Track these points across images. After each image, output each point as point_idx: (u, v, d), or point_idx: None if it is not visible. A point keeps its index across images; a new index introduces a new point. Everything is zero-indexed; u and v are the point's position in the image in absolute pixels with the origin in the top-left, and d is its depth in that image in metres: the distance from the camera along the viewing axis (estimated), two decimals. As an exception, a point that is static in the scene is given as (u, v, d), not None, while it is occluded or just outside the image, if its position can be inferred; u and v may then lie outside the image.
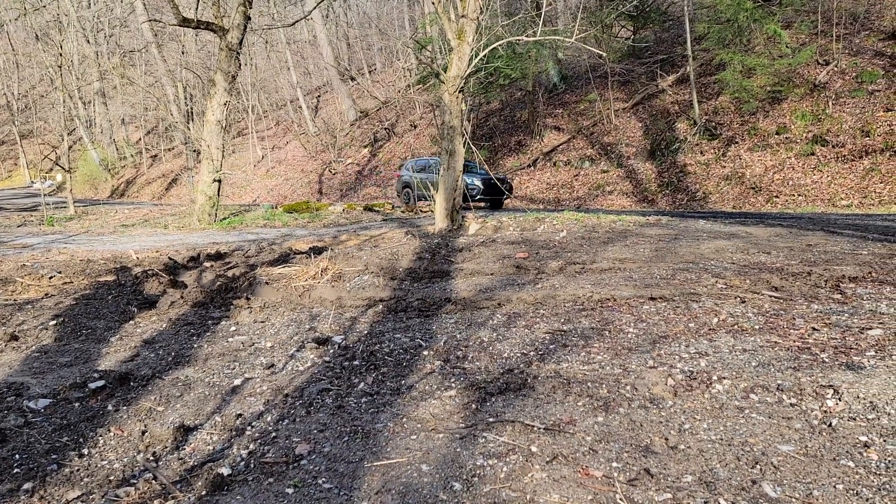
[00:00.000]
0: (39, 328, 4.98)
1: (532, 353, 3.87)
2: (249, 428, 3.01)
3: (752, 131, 17.51)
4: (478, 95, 23.59)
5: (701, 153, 18.18)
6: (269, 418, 3.11)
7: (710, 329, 4.11)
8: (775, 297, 4.78)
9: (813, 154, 15.98)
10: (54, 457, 2.77)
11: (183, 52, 31.69)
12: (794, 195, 15.34)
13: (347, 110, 34.57)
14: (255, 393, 3.48)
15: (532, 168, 21.98)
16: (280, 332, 4.79)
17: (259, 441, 2.85)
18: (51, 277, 7.29)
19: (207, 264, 7.95)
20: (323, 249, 8.75)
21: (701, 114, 18.70)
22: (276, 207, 19.63)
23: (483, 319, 4.78)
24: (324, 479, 2.48)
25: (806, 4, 18.82)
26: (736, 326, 4.12)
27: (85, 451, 2.84)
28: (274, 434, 2.91)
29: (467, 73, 10.71)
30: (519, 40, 16.74)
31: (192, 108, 30.66)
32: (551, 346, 3.98)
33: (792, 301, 4.66)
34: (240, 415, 3.15)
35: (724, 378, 3.25)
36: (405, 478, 2.45)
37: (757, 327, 4.08)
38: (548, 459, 2.52)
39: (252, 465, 2.62)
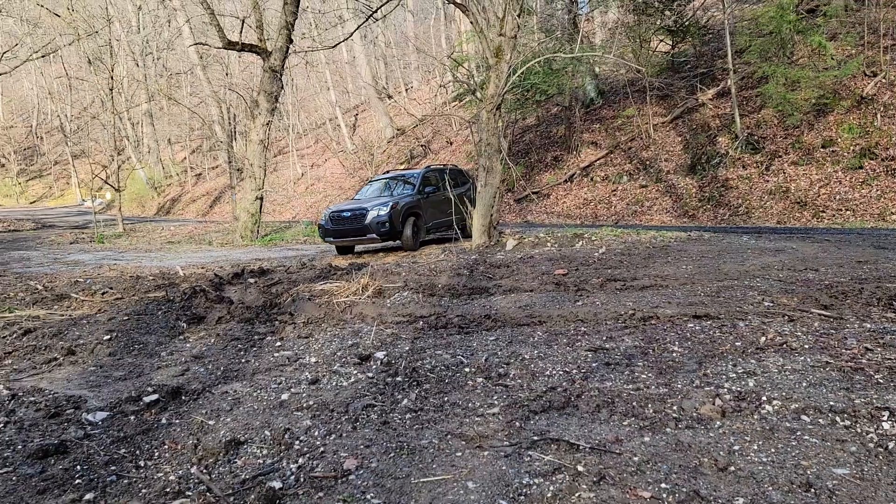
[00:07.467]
0: (94, 343, 5.16)
1: (574, 371, 3.86)
2: (297, 442, 3.06)
3: (797, 145, 17.14)
4: (514, 111, 23.63)
5: (743, 167, 17.85)
6: (316, 433, 3.16)
7: (757, 348, 4.03)
8: (825, 316, 4.67)
9: (861, 167, 15.55)
10: (113, 468, 2.86)
11: (227, 74, 32.58)
12: (841, 210, 14.93)
13: (384, 128, 35.00)
14: (301, 407, 3.54)
15: (569, 183, 21.89)
16: (323, 348, 4.87)
17: (308, 455, 2.90)
18: (103, 293, 7.55)
19: (251, 280, 8.12)
20: (362, 266, 8.86)
21: (743, 127, 18.39)
22: (315, 224, 19.92)
23: (523, 337, 4.78)
24: (372, 494, 2.51)
25: (851, 16, 18.42)
26: (785, 346, 4.04)
27: (141, 462, 2.93)
28: (322, 449, 2.96)
29: (505, 90, 10.77)
30: (556, 56, 16.79)
31: (234, 128, 31.46)
32: (594, 364, 3.95)
33: (843, 320, 4.54)
34: (288, 429, 3.21)
35: (773, 399, 3.18)
36: (452, 495, 2.47)
37: (807, 347, 3.99)
38: (595, 479, 2.51)
39: (302, 480, 2.67)
